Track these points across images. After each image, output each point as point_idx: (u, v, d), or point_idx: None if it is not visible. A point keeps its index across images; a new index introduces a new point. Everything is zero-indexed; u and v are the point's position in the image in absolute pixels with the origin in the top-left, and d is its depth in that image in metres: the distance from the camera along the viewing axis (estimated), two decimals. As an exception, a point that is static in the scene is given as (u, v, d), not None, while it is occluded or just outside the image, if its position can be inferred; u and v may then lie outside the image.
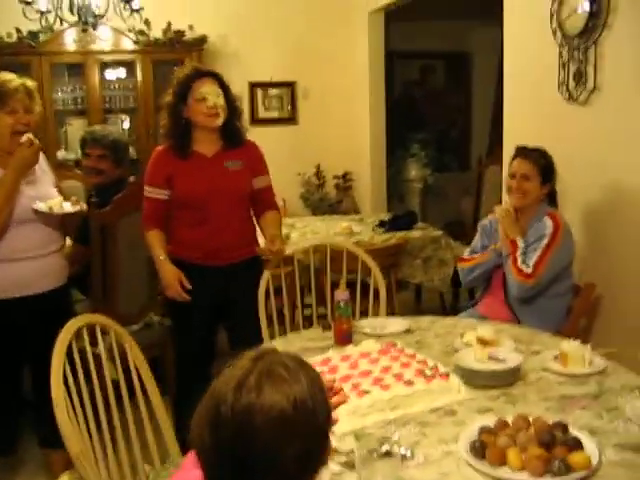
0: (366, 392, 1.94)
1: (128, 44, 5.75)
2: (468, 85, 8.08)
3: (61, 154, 5.83)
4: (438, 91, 8.11)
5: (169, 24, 5.76)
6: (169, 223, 3.00)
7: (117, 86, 5.96)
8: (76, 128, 5.86)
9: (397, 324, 2.66)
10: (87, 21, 4.20)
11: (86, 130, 3.79)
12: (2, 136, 2.70)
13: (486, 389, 2.02)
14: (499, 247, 3.05)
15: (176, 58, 5.75)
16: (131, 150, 5.98)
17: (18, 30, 5.45)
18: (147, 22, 5.57)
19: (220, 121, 2.88)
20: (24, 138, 2.68)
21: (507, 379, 2.06)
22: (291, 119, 6.57)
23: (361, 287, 3.15)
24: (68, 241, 3.61)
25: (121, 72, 6.00)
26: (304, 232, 4.64)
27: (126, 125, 6.12)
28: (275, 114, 6.51)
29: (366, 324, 2.68)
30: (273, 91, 6.48)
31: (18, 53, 5.54)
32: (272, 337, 2.92)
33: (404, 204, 7.16)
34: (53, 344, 1.98)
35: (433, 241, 4.55)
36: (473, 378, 2.05)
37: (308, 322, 3.41)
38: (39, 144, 2.72)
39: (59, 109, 5.86)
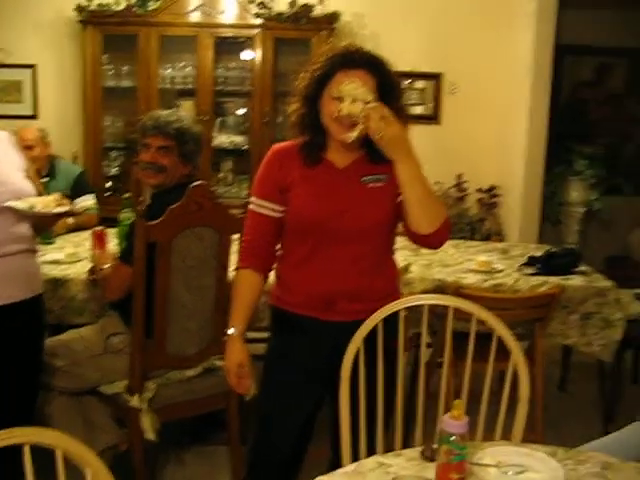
0: None
1: (247, 18, 4.95)
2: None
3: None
4: (616, 96, 6.81)
5: (296, -4, 4.89)
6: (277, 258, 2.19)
7: (232, 65, 5.18)
8: (185, 110, 5.16)
9: (544, 468, 1.62)
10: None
11: (148, 114, 2.96)
12: None
13: None
14: None
15: (301, 37, 4.94)
16: (241, 140, 5.26)
17: (127, -4, 4.81)
18: (269, -8, 4.76)
19: (353, 136, 1.92)
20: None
21: None
22: (433, 117, 5.55)
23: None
24: (111, 259, 2.87)
25: (237, 49, 5.21)
26: (430, 262, 3.62)
27: (240, 111, 5.36)
28: (415, 110, 5.49)
29: (489, 458, 1.65)
30: (417, 84, 5.49)
31: (125, 23, 4.90)
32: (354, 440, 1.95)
33: (559, 231, 5.98)
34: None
35: (598, 293, 3.41)
36: None
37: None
38: None
39: (166, 87, 5.17)
